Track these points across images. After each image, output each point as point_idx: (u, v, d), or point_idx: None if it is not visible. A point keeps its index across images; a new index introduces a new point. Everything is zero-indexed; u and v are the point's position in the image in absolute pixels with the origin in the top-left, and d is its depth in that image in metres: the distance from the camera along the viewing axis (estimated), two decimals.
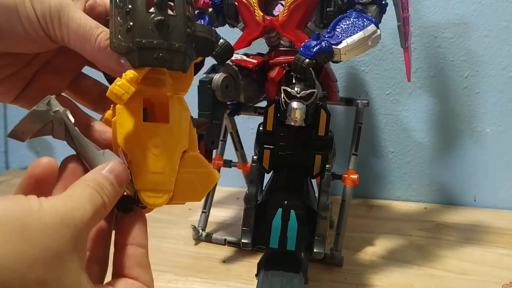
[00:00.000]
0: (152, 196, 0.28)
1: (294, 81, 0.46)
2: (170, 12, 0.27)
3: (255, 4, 0.51)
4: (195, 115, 0.49)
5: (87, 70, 0.32)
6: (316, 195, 0.49)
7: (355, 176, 0.56)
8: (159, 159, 0.28)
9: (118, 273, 0.27)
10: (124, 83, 0.26)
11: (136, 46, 0.26)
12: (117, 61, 0.27)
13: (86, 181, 0.24)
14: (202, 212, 0.65)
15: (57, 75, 0.32)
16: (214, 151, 0.60)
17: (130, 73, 0.26)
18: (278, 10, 0.52)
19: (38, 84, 0.31)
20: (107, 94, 0.26)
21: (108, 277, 0.27)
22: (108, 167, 0.26)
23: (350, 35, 0.46)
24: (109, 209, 0.25)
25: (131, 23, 0.26)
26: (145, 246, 0.28)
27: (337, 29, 0.47)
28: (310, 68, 0.46)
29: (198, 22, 0.53)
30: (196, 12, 0.55)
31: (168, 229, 0.67)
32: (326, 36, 0.46)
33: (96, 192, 0.24)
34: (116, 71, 0.28)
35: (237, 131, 0.65)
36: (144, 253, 0.27)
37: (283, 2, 0.51)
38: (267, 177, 0.51)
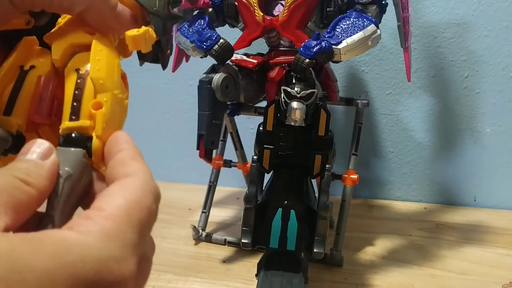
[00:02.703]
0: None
1: (294, 81, 0.46)
2: None
3: (255, 4, 0.51)
4: (195, 115, 0.49)
5: None
6: (316, 195, 0.49)
7: (355, 176, 0.56)
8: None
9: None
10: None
11: None
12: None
13: None
14: (202, 212, 0.65)
15: None
16: (214, 151, 0.60)
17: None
18: (278, 10, 0.52)
19: None
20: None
21: None
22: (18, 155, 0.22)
23: (350, 35, 0.46)
24: (38, 180, 0.21)
25: None
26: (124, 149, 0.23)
27: (337, 29, 0.47)
28: (310, 68, 0.46)
29: (199, 22, 0.53)
30: (196, 12, 0.55)
31: (168, 229, 0.67)
32: (326, 36, 0.46)
33: (4, 175, 0.21)
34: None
35: (237, 131, 0.65)
36: (125, 154, 0.23)
37: (283, 2, 0.51)
38: (267, 177, 0.51)
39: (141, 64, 0.32)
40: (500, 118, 0.72)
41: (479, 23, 0.70)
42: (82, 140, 0.24)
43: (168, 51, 0.31)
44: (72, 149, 0.23)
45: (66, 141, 0.24)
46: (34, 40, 0.27)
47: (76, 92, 0.24)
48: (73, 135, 0.24)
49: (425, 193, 0.78)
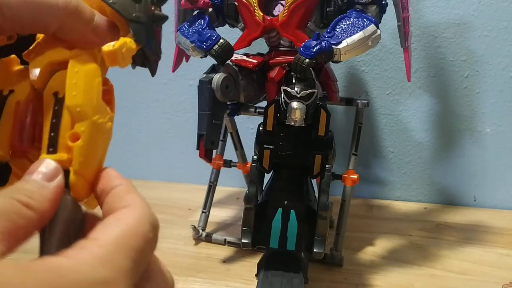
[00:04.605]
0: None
1: (294, 81, 0.46)
2: None
3: (255, 4, 0.51)
4: (195, 115, 0.49)
5: None
6: (316, 195, 0.49)
7: (355, 176, 0.56)
8: None
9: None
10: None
11: None
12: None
13: None
14: (202, 212, 0.65)
15: None
16: (214, 151, 0.60)
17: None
18: (278, 10, 0.52)
19: None
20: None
21: None
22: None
23: (350, 35, 0.46)
24: (40, 203, 0.21)
25: None
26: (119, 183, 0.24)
27: (337, 29, 0.47)
28: (310, 68, 0.46)
29: (199, 22, 0.53)
30: (196, 12, 0.55)
31: (168, 229, 0.67)
32: (326, 36, 0.46)
33: (6, 198, 0.21)
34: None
35: (237, 131, 0.65)
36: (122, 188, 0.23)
37: (283, 2, 0.51)
38: (267, 177, 0.51)
39: (133, 67, 0.31)
40: (500, 118, 0.73)
41: (479, 23, 0.70)
42: None
43: (155, 57, 0.30)
44: None
45: None
46: (13, 60, 0.26)
47: (54, 121, 0.23)
48: None
49: (425, 193, 0.78)
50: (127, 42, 0.26)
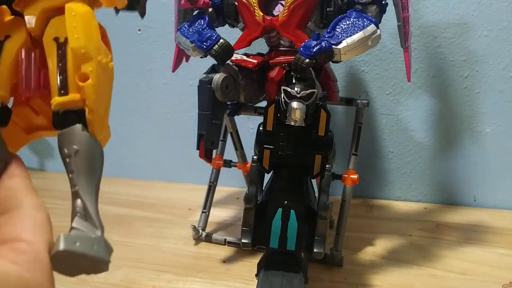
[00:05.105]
0: None
1: (294, 81, 0.46)
2: None
3: (255, 4, 0.51)
4: (195, 115, 0.49)
5: None
6: (316, 195, 0.49)
7: (355, 176, 0.56)
8: None
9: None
10: None
11: None
12: None
13: None
14: (202, 212, 0.65)
15: None
16: (214, 151, 0.60)
17: None
18: (278, 10, 0.52)
19: None
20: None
21: None
22: None
23: (350, 35, 0.46)
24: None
25: None
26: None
27: (337, 29, 0.47)
28: (310, 68, 0.46)
29: (199, 22, 0.53)
30: (196, 12, 0.55)
31: (168, 229, 0.67)
32: (326, 36, 0.46)
33: None
34: None
35: (237, 131, 0.65)
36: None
37: (283, 2, 0.51)
38: (267, 177, 0.51)
39: (116, 13, 0.30)
40: (500, 118, 0.72)
41: (479, 23, 0.70)
42: (75, 117, 0.24)
43: None
44: (71, 127, 0.24)
45: (61, 121, 0.24)
46: (4, 10, 0.26)
47: (60, 64, 0.24)
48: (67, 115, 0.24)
49: (425, 193, 0.78)
50: None
